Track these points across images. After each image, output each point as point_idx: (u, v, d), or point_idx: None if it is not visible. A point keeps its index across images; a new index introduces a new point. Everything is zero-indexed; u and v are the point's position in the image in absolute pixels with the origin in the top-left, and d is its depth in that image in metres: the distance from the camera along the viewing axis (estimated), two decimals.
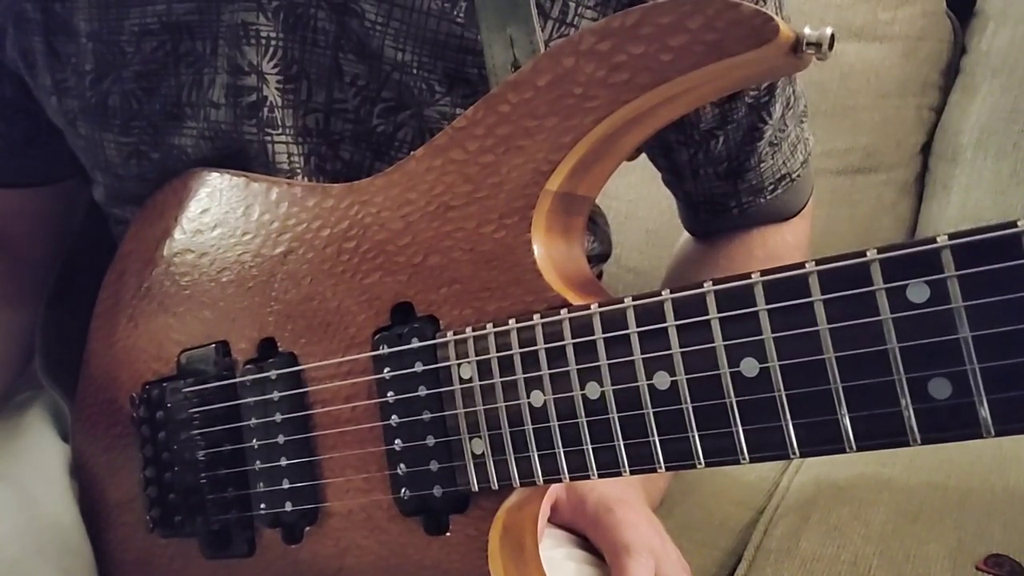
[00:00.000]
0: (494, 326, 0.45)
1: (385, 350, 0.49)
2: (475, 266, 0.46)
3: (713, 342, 0.38)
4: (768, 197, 0.69)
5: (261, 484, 0.54)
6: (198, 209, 0.60)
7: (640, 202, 1.19)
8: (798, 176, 0.69)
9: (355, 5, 0.57)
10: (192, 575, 0.58)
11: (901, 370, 0.34)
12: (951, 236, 0.33)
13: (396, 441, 0.48)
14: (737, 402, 0.38)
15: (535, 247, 0.45)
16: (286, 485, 0.53)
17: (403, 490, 0.48)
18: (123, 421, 0.62)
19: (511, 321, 0.44)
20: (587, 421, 0.42)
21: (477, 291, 0.46)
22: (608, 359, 0.41)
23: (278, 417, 0.53)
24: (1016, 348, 0.32)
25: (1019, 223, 0.32)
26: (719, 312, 0.38)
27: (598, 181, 0.48)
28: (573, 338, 0.42)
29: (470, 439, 0.45)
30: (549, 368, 0.43)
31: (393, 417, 0.48)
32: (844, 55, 1.15)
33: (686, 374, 0.39)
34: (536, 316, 0.43)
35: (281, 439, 0.53)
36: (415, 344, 0.47)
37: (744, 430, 0.37)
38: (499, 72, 0.53)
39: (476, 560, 0.46)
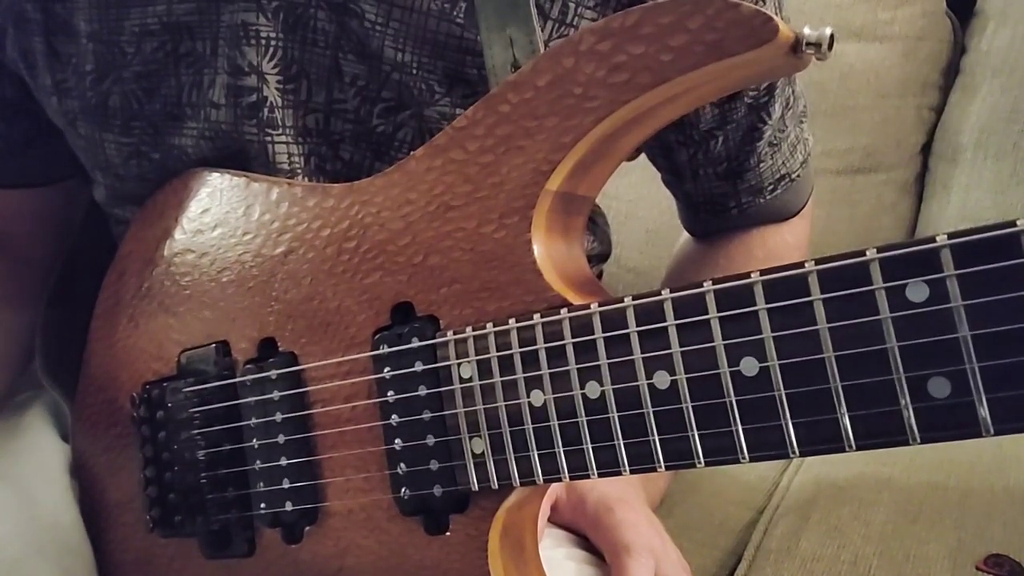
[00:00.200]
0: (494, 326, 0.45)
1: (385, 350, 0.49)
2: (475, 266, 0.46)
3: (713, 341, 0.38)
4: (768, 197, 0.69)
5: (261, 484, 0.54)
6: (198, 209, 0.60)
7: (640, 202, 1.19)
8: (798, 176, 0.69)
9: (355, 5, 0.57)
10: (192, 575, 0.59)
11: (900, 369, 0.34)
12: (950, 236, 0.33)
13: (396, 441, 0.48)
14: (737, 401, 0.38)
15: (535, 247, 0.45)
16: (286, 485, 0.53)
17: (403, 490, 0.48)
18: (123, 421, 0.62)
19: (511, 321, 0.44)
20: (587, 420, 0.42)
21: (477, 291, 0.46)
22: (608, 358, 0.41)
23: (278, 417, 0.53)
24: (1015, 347, 0.32)
25: (1018, 223, 0.32)
26: (719, 311, 0.38)
27: (598, 181, 0.48)
28: (573, 337, 0.42)
29: (470, 438, 0.45)
30: (549, 367, 0.43)
31: (393, 417, 0.48)
32: (844, 55, 1.15)
33: (686, 373, 0.39)
34: (536, 316, 0.43)
35: (281, 439, 0.53)
36: (415, 344, 0.47)
37: (744, 429, 0.38)
38: (499, 72, 0.53)
39: (476, 560, 0.46)
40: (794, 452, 0.37)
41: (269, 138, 0.59)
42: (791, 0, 0.62)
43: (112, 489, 0.63)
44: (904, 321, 0.34)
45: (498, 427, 0.44)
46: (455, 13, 0.56)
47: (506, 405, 0.44)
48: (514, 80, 0.46)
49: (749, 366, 0.37)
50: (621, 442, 0.41)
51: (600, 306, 0.41)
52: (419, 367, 0.47)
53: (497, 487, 0.45)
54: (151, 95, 0.61)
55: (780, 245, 0.71)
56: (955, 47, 1.17)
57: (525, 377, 0.43)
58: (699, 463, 0.39)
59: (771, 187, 0.68)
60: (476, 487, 0.45)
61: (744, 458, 0.38)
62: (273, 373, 0.53)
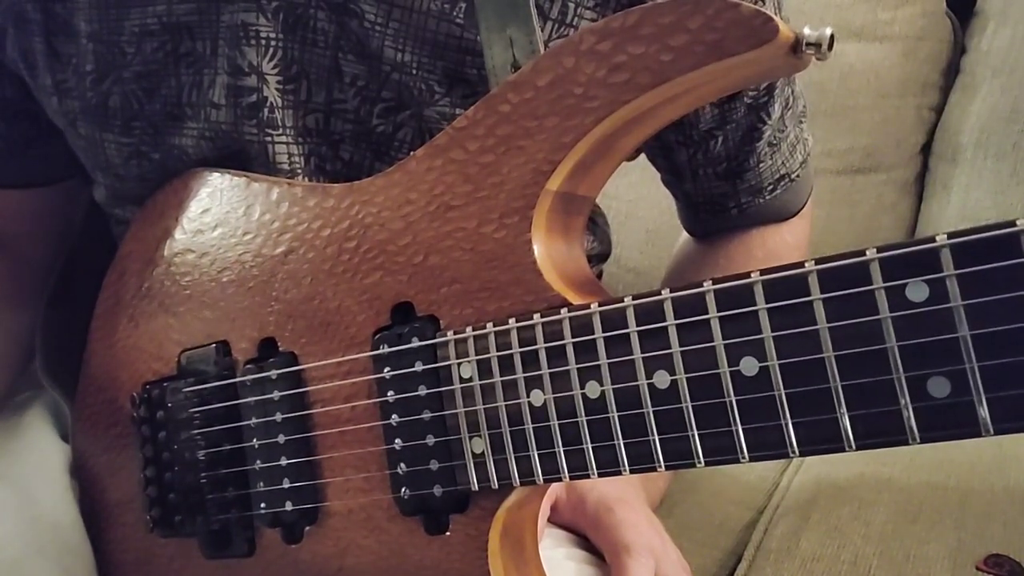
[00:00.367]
0: (494, 325, 0.45)
1: (385, 349, 0.49)
2: (475, 266, 0.46)
3: (713, 341, 0.38)
4: (767, 197, 0.69)
5: (261, 484, 0.54)
6: (199, 209, 0.60)
7: (640, 202, 1.19)
8: (797, 176, 0.69)
9: (355, 6, 0.57)
10: (192, 575, 0.59)
11: (900, 369, 0.34)
12: (950, 235, 0.33)
13: (396, 440, 0.48)
14: (737, 401, 0.38)
15: (535, 247, 0.45)
16: (286, 484, 0.53)
17: (403, 489, 0.48)
18: (123, 421, 0.62)
19: (511, 320, 0.44)
20: (587, 420, 0.42)
21: (477, 291, 0.46)
22: (608, 358, 0.41)
23: (278, 417, 0.53)
24: (1015, 347, 0.32)
25: (1018, 222, 0.32)
26: (719, 311, 0.38)
27: (598, 181, 0.48)
28: (573, 337, 0.42)
29: (470, 438, 0.45)
30: (549, 367, 0.43)
31: (393, 416, 0.48)
32: (844, 55, 1.15)
33: (686, 373, 0.39)
34: (536, 315, 0.43)
35: (281, 438, 0.53)
36: (415, 343, 0.47)
37: (744, 429, 0.38)
38: (499, 73, 0.53)
39: (476, 560, 0.46)
40: (794, 452, 0.37)
41: (269, 138, 0.59)
42: (791, 0, 0.62)
43: (112, 489, 0.63)
44: (904, 321, 0.34)
45: (498, 427, 0.44)
46: (455, 13, 0.56)
47: (506, 405, 0.44)
48: (514, 80, 0.46)
49: (749, 366, 0.37)
50: (621, 442, 0.41)
51: (600, 306, 0.41)
52: (419, 367, 0.47)
53: (497, 487, 0.45)
54: (151, 95, 0.61)
55: (780, 245, 0.71)
56: (955, 47, 1.17)
57: (525, 377, 0.43)
58: (699, 463, 0.39)
59: (771, 187, 0.68)
60: (476, 487, 0.45)
61: (744, 458, 0.38)
62: (273, 373, 0.53)
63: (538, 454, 0.43)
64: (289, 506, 0.53)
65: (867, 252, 0.35)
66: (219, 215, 0.59)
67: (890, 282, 0.34)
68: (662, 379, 0.40)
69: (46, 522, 0.61)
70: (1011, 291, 0.32)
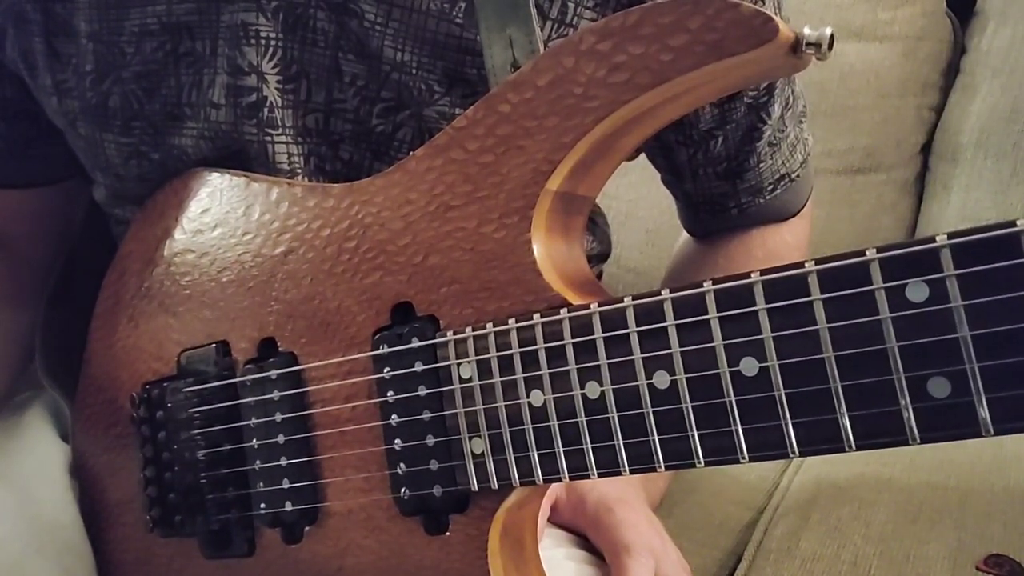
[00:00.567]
0: (494, 326, 0.45)
1: (385, 350, 0.49)
2: (475, 266, 0.46)
3: (713, 341, 0.38)
4: (767, 197, 0.69)
5: (261, 484, 0.54)
6: (198, 209, 0.60)
7: (640, 202, 1.19)
8: (797, 176, 0.69)
9: (354, 5, 0.57)
10: (192, 575, 0.59)
11: (900, 369, 0.34)
12: (950, 235, 0.33)
13: (396, 441, 0.48)
14: (737, 401, 0.38)
15: (535, 247, 0.45)
16: (286, 485, 0.53)
17: (403, 490, 0.48)
18: (123, 421, 0.62)
19: (511, 321, 0.44)
20: (587, 420, 0.42)
21: (477, 291, 0.46)
22: (608, 359, 0.41)
23: (278, 417, 0.53)
24: (1015, 347, 0.32)
25: (1018, 223, 0.32)
26: (719, 312, 0.38)
27: (598, 181, 0.48)
28: (573, 338, 0.42)
29: (470, 439, 0.45)
30: (549, 368, 0.43)
31: (393, 417, 0.48)
32: (844, 55, 1.15)
33: (686, 373, 0.39)
34: (536, 316, 0.43)
35: (281, 439, 0.53)
36: (415, 344, 0.47)
37: (743, 429, 0.37)
38: (499, 72, 0.53)
39: (476, 560, 0.46)
40: (794, 452, 0.37)
41: (269, 138, 0.59)
42: (791, 0, 0.62)
43: (112, 489, 0.63)
44: (904, 321, 0.34)
45: (498, 427, 0.44)
46: (454, 13, 0.56)
47: (506, 405, 0.44)
48: (514, 80, 0.46)
49: (749, 366, 0.37)
50: (621, 442, 0.41)
51: (600, 306, 0.41)
52: (419, 367, 0.47)
53: (497, 487, 0.45)
54: (151, 95, 0.61)
55: (780, 245, 0.71)
56: (955, 47, 1.17)
57: (525, 377, 0.43)
58: (699, 463, 0.39)
59: (771, 187, 0.68)
60: (476, 487, 0.45)
61: (744, 458, 0.38)
62: (273, 373, 0.53)
63: (538, 454, 0.43)
64: (289, 506, 0.53)
65: (867, 252, 0.35)
66: (219, 215, 0.59)
67: (890, 282, 0.34)
68: (662, 379, 0.40)
69: (46, 522, 0.61)
70: (1011, 291, 0.32)
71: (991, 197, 1.05)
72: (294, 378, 0.53)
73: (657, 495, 0.70)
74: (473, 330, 0.45)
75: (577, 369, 0.42)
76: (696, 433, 0.39)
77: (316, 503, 0.52)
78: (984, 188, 1.06)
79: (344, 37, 0.58)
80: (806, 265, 0.36)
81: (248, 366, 0.55)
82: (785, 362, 0.36)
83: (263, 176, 0.58)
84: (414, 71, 0.57)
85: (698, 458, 0.39)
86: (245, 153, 0.60)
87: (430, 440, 0.47)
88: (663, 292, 0.40)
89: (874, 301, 0.34)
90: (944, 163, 1.13)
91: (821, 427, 0.36)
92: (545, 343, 0.43)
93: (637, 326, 0.40)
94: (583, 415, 0.42)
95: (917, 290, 0.34)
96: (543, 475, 0.43)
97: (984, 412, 0.33)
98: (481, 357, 0.45)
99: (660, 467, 0.40)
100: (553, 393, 0.42)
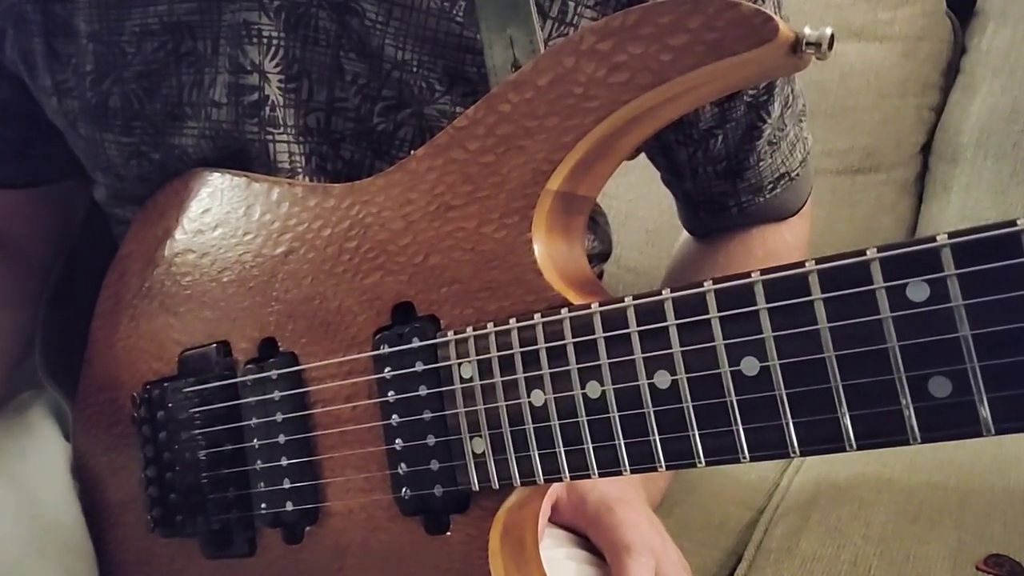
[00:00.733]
0: (495, 325, 0.45)
1: (386, 349, 0.49)
2: (476, 266, 0.46)
3: (713, 341, 0.38)
4: (767, 196, 0.69)
5: (262, 484, 0.54)
6: (199, 209, 0.60)
7: (640, 202, 1.19)
8: (797, 175, 0.69)
9: (355, 4, 0.57)
10: (193, 575, 0.59)
11: (901, 369, 0.34)
12: (951, 235, 0.33)
13: (396, 440, 0.48)
14: (737, 401, 0.38)
15: (536, 247, 0.45)
16: (287, 485, 0.53)
17: (404, 489, 0.48)
18: (124, 421, 0.62)
19: (512, 320, 0.44)
20: (588, 420, 0.42)
21: (478, 291, 0.46)
22: (609, 358, 0.41)
23: (279, 417, 0.53)
24: (1016, 346, 0.32)
25: (1018, 222, 0.32)
26: (719, 311, 0.38)
27: (598, 181, 0.48)
28: (574, 337, 0.42)
29: (471, 438, 0.45)
30: (550, 367, 0.43)
31: (394, 416, 0.48)
32: (844, 55, 1.15)
33: (686, 373, 0.39)
34: (537, 315, 0.43)
35: (282, 439, 0.53)
36: (416, 343, 0.47)
37: (744, 429, 0.38)
38: (499, 72, 0.53)
39: (477, 560, 0.46)
40: (794, 452, 0.37)
41: (270, 137, 0.59)
42: (791, 0, 0.62)
43: (113, 489, 0.63)
44: (905, 321, 0.34)
45: (499, 427, 0.44)
46: (454, 12, 0.56)
47: (507, 405, 0.44)
48: (515, 79, 0.46)
49: (750, 366, 0.37)
50: (622, 442, 0.41)
51: (600, 306, 0.41)
52: (419, 367, 0.47)
53: (498, 487, 0.45)
54: (152, 95, 0.61)
55: (780, 244, 0.71)
56: (955, 47, 1.17)
57: (526, 377, 0.43)
58: (699, 463, 0.39)
59: (770, 186, 0.68)
60: (477, 487, 0.45)
61: (744, 458, 0.38)
62: (274, 373, 0.53)
63: (539, 454, 0.43)
64: (290, 506, 0.53)
65: (868, 252, 0.35)
66: (219, 215, 0.59)
67: (891, 282, 0.34)
68: (663, 379, 0.40)
69: (48, 522, 0.61)
70: (1012, 291, 0.32)
71: (991, 197, 1.05)
72: (295, 378, 0.53)
73: (657, 495, 0.70)
74: (474, 330, 0.45)
75: (578, 369, 0.42)
76: (697, 433, 0.39)
77: (317, 503, 0.52)
78: (984, 188, 1.06)
79: (345, 36, 0.58)
80: (807, 265, 0.36)
81: (249, 366, 0.55)
82: (786, 362, 0.36)
83: (264, 176, 0.58)
84: (415, 69, 0.57)
85: (699, 458, 0.39)
86: (246, 152, 0.60)
87: (431, 440, 0.47)
88: (664, 292, 0.40)
89: (875, 301, 0.34)
90: (944, 163, 1.13)
91: (822, 427, 0.36)
92: (546, 343, 0.43)
93: (638, 326, 0.40)
94: (584, 415, 0.42)
95: (918, 290, 0.34)
96: (544, 475, 0.43)
97: (985, 411, 0.33)
98: (482, 357, 0.45)
99: (661, 467, 0.40)
100: (554, 393, 0.42)
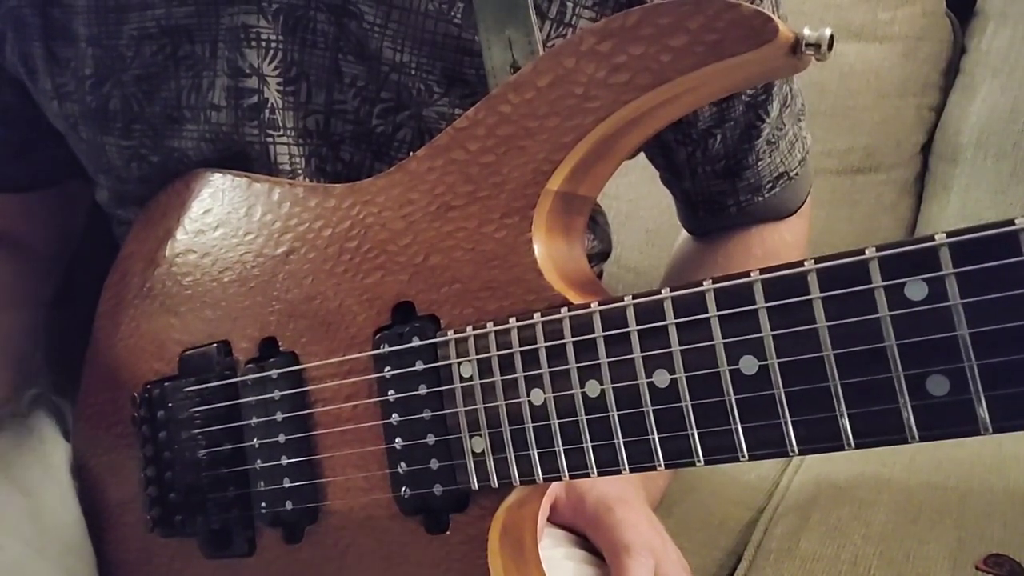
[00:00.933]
0: (495, 325, 0.45)
1: (386, 349, 0.49)
2: (476, 265, 0.47)
3: (712, 340, 0.38)
4: (766, 195, 0.69)
5: (262, 483, 0.54)
6: (200, 209, 0.60)
7: (640, 202, 1.19)
8: (796, 174, 0.69)
9: (354, 7, 0.57)
10: (192, 575, 0.59)
11: (899, 368, 0.34)
12: (949, 234, 0.33)
13: (396, 440, 0.48)
14: (736, 400, 0.38)
15: (536, 247, 0.45)
16: (287, 484, 0.53)
17: (403, 489, 0.48)
18: (124, 421, 0.62)
19: (512, 320, 0.44)
20: (587, 419, 0.42)
21: (478, 290, 0.46)
22: (608, 357, 0.41)
23: (279, 416, 0.53)
24: (1014, 345, 0.32)
25: (1017, 221, 0.32)
26: (718, 310, 0.38)
27: (599, 181, 0.48)
28: (573, 336, 0.42)
29: (470, 437, 0.45)
30: (549, 366, 0.43)
31: (393, 416, 0.48)
32: (844, 55, 1.15)
33: (686, 372, 0.39)
34: (536, 315, 0.43)
35: (282, 438, 0.53)
36: (416, 343, 0.47)
37: (743, 428, 0.38)
38: (498, 73, 0.53)
39: (476, 559, 0.46)
40: (793, 451, 0.37)
41: (270, 139, 0.59)
42: (790, 1, 0.62)
43: (113, 489, 0.63)
44: (903, 320, 0.34)
45: (498, 426, 0.44)
46: (452, 13, 0.56)
47: (506, 404, 0.44)
48: (515, 80, 0.46)
49: (749, 365, 0.37)
50: (621, 441, 0.41)
51: (600, 305, 0.41)
52: (419, 366, 0.47)
53: (497, 486, 0.45)
54: (151, 98, 0.61)
55: (779, 243, 0.71)
56: (955, 47, 1.17)
57: (525, 376, 0.43)
58: (699, 462, 0.39)
59: (769, 185, 0.68)
60: (476, 486, 0.46)
61: (743, 457, 0.38)
62: (274, 372, 0.53)
63: (538, 453, 0.43)
64: (289, 505, 0.53)
65: (866, 251, 0.35)
66: (221, 215, 0.59)
67: (889, 281, 0.34)
68: (662, 378, 0.40)
69: (48, 522, 0.61)
70: (1010, 290, 0.32)
71: (991, 197, 1.05)
72: (295, 377, 0.53)
73: (657, 494, 0.70)
74: (474, 329, 0.45)
75: (577, 368, 0.42)
76: (696, 432, 0.39)
77: (317, 502, 0.52)
78: (984, 188, 1.06)
79: (344, 38, 0.58)
80: (806, 264, 0.36)
81: (249, 365, 0.55)
82: (784, 361, 0.36)
83: (265, 176, 0.58)
84: (413, 72, 0.57)
85: (698, 457, 0.39)
86: (246, 155, 0.60)
87: (430, 439, 0.47)
88: (663, 291, 0.40)
89: (873, 300, 0.35)
90: (944, 163, 1.13)
91: (820, 426, 0.36)
92: (546, 342, 0.43)
93: (637, 325, 0.40)
94: (583, 414, 0.42)
95: (916, 289, 0.34)
96: (543, 474, 0.43)
97: (983, 410, 0.33)
98: (482, 356, 0.45)
99: (660, 465, 0.40)
100: (553, 392, 0.43)
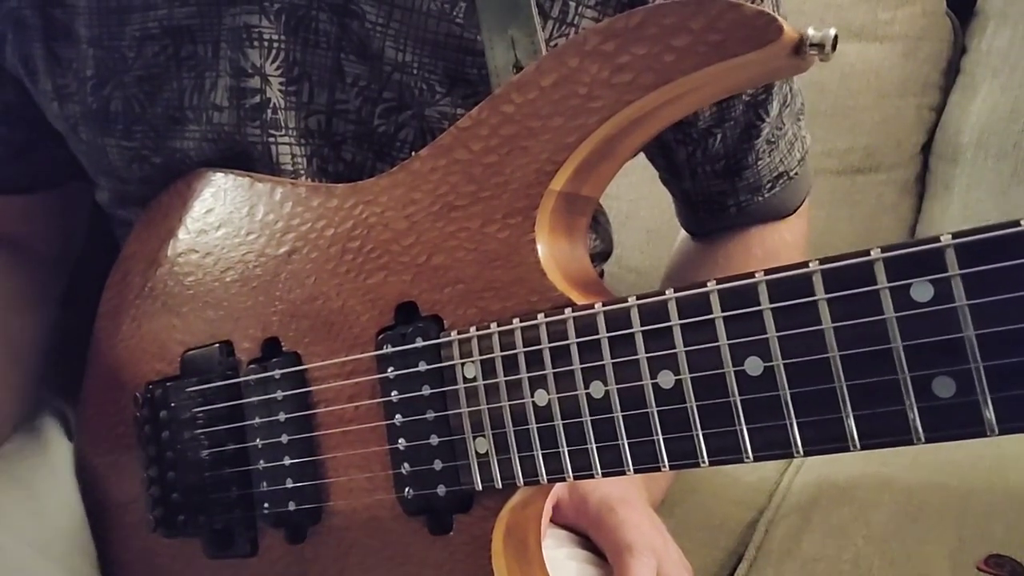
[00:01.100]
0: (498, 325, 0.45)
1: (389, 349, 0.49)
2: (479, 266, 0.47)
3: (717, 341, 0.38)
4: (766, 195, 0.69)
5: (264, 483, 0.54)
6: (202, 209, 0.60)
7: (641, 202, 1.19)
8: (796, 174, 0.69)
9: (356, 6, 0.57)
10: (195, 575, 0.59)
11: (905, 369, 0.34)
12: (955, 235, 0.33)
13: (400, 440, 0.48)
14: (741, 401, 0.38)
15: (539, 247, 0.45)
16: (290, 484, 0.53)
17: (407, 489, 0.48)
18: (126, 421, 0.62)
19: (515, 320, 0.44)
20: (591, 420, 0.42)
21: (481, 291, 0.46)
22: (612, 358, 0.41)
23: (282, 416, 0.53)
24: (1020, 347, 0.32)
25: (1022, 222, 0.32)
26: (723, 311, 0.38)
27: (602, 181, 0.48)
28: (577, 337, 0.42)
29: (474, 438, 0.45)
30: (553, 367, 0.43)
31: (397, 416, 0.48)
32: (844, 55, 1.15)
33: (690, 373, 0.39)
34: (540, 315, 0.43)
35: (285, 438, 0.53)
36: (419, 343, 0.47)
37: (748, 429, 0.38)
38: (501, 73, 0.53)
39: (480, 559, 0.46)
40: (798, 452, 0.37)
41: (272, 139, 0.59)
42: (791, 1, 0.62)
43: (115, 489, 0.63)
44: (909, 321, 0.34)
45: (502, 427, 0.44)
46: (455, 13, 0.56)
47: (510, 405, 0.44)
48: (518, 80, 0.46)
49: (753, 366, 0.37)
50: (625, 442, 0.41)
51: (604, 306, 0.41)
52: (423, 367, 0.47)
53: (501, 487, 0.45)
54: (153, 99, 0.61)
55: (779, 243, 0.71)
56: (955, 47, 1.17)
57: (529, 377, 0.43)
58: (703, 463, 0.39)
59: (769, 185, 0.68)
60: (480, 487, 0.46)
61: (748, 458, 0.38)
62: (277, 373, 0.53)
63: (542, 454, 0.43)
64: (292, 506, 0.53)
65: (872, 252, 0.35)
66: (223, 215, 0.59)
67: (895, 282, 0.34)
68: (666, 379, 0.40)
69: (52, 522, 0.61)
70: (1016, 291, 0.32)
71: (992, 197, 1.05)
72: (298, 378, 0.53)
73: (659, 495, 0.70)
74: (477, 330, 0.45)
75: (581, 369, 0.42)
76: (700, 433, 0.39)
77: (320, 503, 0.52)
78: (985, 188, 1.06)
79: (346, 38, 0.58)
80: (810, 265, 0.36)
81: (252, 366, 0.55)
82: (790, 362, 0.36)
83: (267, 176, 0.58)
84: (415, 71, 0.57)
85: (702, 458, 0.39)
86: (248, 155, 0.60)
87: (434, 440, 0.47)
88: (668, 292, 0.40)
89: (879, 301, 0.35)
90: (944, 163, 1.13)
91: (826, 427, 0.36)
92: (549, 343, 0.43)
93: (641, 326, 0.40)
94: (587, 415, 0.42)
95: (922, 290, 0.34)
96: (547, 475, 0.43)
97: (989, 412, 0.33)
98: (485, 357, 0.45)
99: (664, 467, 0.40)
100: (557, 393, 0.43)
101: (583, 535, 0.61)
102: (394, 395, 0.48)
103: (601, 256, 0.77)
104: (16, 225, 0.75)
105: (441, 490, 0.47)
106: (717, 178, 0.67)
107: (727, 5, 0.40)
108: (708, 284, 0.39)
